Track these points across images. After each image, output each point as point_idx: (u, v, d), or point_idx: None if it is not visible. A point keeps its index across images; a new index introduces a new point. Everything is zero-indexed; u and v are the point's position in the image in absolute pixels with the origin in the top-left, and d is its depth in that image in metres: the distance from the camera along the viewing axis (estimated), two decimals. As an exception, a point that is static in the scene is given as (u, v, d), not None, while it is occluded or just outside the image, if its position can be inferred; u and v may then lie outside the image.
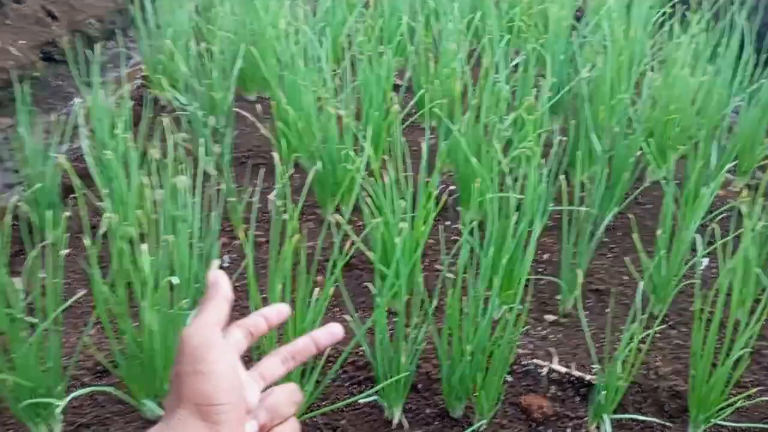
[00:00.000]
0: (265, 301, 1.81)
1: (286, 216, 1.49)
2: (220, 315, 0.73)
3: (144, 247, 1.41)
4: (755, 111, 2.37)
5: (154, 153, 1.96)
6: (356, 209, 2.20)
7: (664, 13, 2.99)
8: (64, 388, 1.45)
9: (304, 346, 0.80)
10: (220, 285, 0.76)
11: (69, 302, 1.45)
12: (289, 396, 0.73)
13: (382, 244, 1.73)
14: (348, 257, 1.87)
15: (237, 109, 2.76)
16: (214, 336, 0.70)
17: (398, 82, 3.02)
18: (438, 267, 1.97)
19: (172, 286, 1.43)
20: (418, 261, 1.63)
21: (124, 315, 1.41)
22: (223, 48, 2.68)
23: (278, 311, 0.81)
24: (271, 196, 2.20)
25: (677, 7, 2.96)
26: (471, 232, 1.62)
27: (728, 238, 1.65)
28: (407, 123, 2.59)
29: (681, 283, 1.81)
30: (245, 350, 0.77)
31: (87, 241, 1.44)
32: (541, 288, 1.96)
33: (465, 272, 1.52)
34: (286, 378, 0.81)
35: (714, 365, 1.50)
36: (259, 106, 2.81)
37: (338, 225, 1.59)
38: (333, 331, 0.82)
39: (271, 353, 0.80)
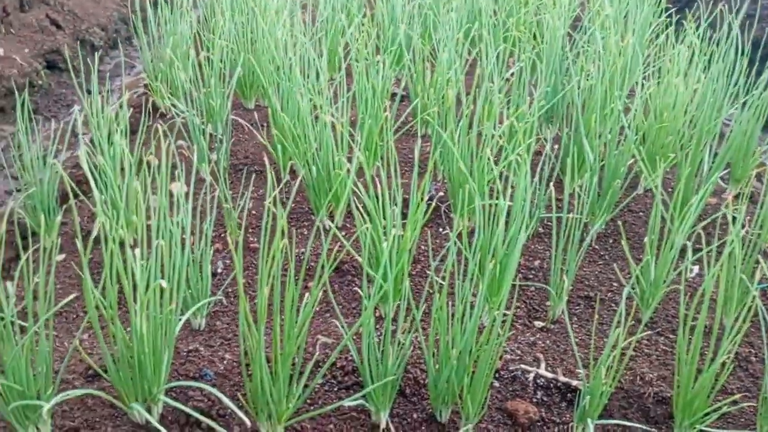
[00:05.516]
0: (254, 305, 1.84)
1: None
2: None
3: (136, 251, 1.43)
4: (748, 120, 2.38)
5: (151, 160, 1.99)
6: (350, 215, 2.22)
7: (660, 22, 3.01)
8: (54, 392, 1.47)
9: None
10: None
11: (59, 306, 1.47)
12: None
13: (371, 249, 1.75)
14: (336, 262, 1.89)
15: (235, 117, 2.79)
16: None
17: (395, 90, 3.05)
18: (429, 272, 1.98)
19: (162, 291, 1.46)
20: (406, 265, 1.65)
21: (114, 319, 1.43)
22: (222, 57, 2.72)
23: None
24: (266, 203, 2.23)
25: (673, 16, 2.98)
26: (460, 238, 1.64)
27: (713, 245, 1.66)
28: (402, 131, 2.61)
29: (668, 289, 1.82)
30: None
31: (80, 246, 1.47)
32: (531, 294, 1.97)
33: (452, 276, 1.54)
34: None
35: (699, 371, 1.51)
36: (256, 114, 2.84)
37: (327, 230, 1.61)
38: None
39: None
